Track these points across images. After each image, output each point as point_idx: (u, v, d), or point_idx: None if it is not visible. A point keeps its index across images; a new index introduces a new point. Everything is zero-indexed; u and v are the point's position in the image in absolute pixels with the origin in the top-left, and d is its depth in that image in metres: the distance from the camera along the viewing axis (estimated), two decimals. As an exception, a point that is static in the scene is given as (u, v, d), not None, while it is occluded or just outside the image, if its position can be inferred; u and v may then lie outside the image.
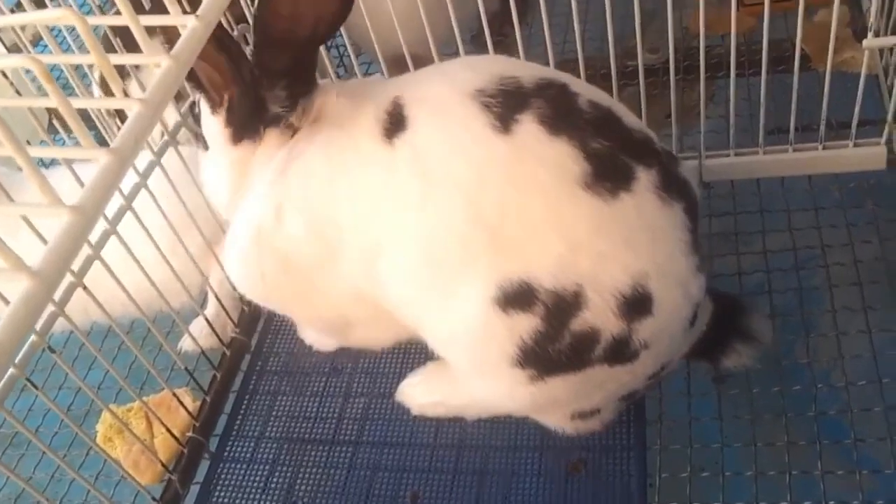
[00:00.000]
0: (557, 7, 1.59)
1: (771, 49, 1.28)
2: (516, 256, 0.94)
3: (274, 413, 1.38)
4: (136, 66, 1.38)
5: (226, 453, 1.34)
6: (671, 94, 1.38)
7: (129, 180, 1.15)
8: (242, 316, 1.49)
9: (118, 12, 0.67)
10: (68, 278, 1.05)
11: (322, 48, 1.30)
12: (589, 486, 1.17)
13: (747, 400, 1.24)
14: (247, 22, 1.32)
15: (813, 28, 1.59)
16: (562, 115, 0.95)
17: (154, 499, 1.24)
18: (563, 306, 0.93)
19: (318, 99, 1.06)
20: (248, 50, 1.02)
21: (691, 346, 1.12)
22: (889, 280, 1.34)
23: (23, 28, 1.39)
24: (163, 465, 1.28)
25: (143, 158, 1.22)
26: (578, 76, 1.14)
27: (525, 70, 1.01)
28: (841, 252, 1.39)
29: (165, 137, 1.27)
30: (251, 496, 1.28)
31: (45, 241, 0.60)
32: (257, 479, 1.30)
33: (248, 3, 1.39)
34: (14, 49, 1.59)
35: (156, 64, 0.67)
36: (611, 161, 0.94)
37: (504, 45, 1.63)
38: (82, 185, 0.63)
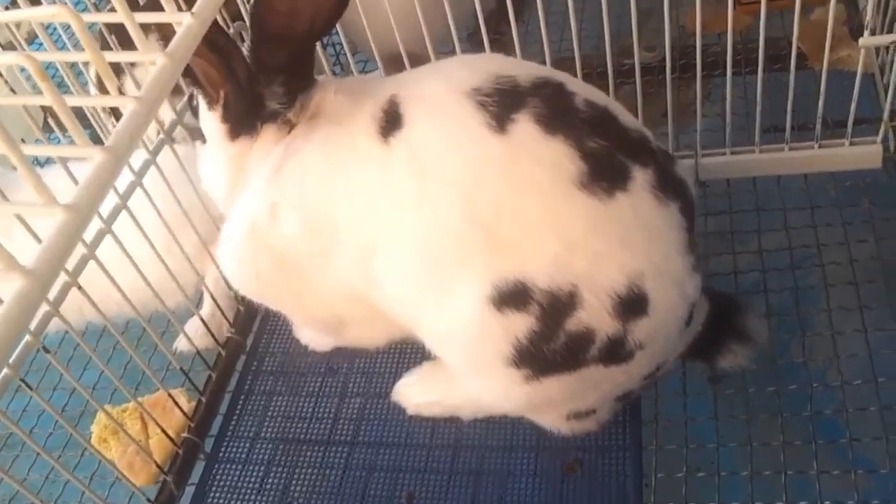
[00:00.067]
0: (554, 5, 1.59)
1: (767, 47, 1.28)
2: (512, 256, 0.93)
3: (269, 413, 1.38)
4: (132, 64, 1.38)
5: (221, 454, 1.34)
6: (667, 92, 1.38)
7: (124, 179, 1.15)
8: (238, 316, 1.49)
9: (113, 9, 0.66)
10: (63, 278, 1.04)
11: (318, 46, 1.29)
12: (585, 487, 1.17)
13: (743, 400, 1.24)
14: (243, 20, 1.32)
15: (809, 26, 1.59)
16: (558, 114, 0.95)
17: (149, 500, 1.23)
18: (559, 306, 0.93)
19: (317, 95, 1.06)
20: (245, 46, 1.02)
21: (687, 345, 1.12)
22: (885, 279, 1.34)
23: (18, 26, 1.38)
24: (158, 466, 1.27)
25: (139, 157, 1.21)
26: (575, 74, 1.14)
27: (522, 69, 1.01)
28: (837, 251, 1.39)
29: (161, 136, 1.26)
30: (246, 497, 1.27)
31: (39, 241, 0.60)
32: (253, 479, 1.29)
33: (244, 1, 1.38)
34: (9, 47, 1.58)
35: (151, 61, 0.66)
36: (607, 160, 0.94)
37: (500, 44, 1.63)
38: (77, 184, 0.62)
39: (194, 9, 0.72)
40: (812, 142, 1.39)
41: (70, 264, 1.05)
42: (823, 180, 1.48)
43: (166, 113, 1.30)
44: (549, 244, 0.93)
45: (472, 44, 1.64)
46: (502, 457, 1.23)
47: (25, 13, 0.80)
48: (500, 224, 0.93)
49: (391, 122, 0.99)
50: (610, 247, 0.93)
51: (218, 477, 1.31)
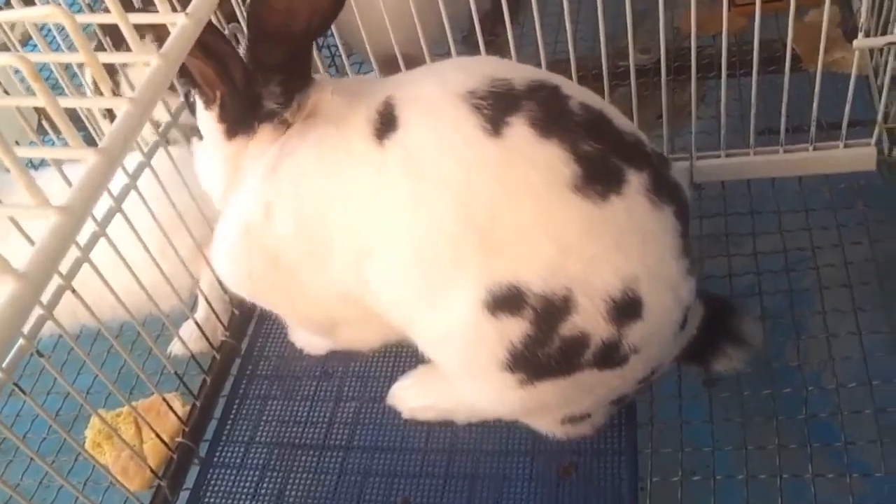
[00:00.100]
0: (549, 7, 1.59)
1: (762, 49, 1.29)
2: (506, 259, 0.93)
3: (264, 418, 1.37)
4: (125, 65, 1.37)
5: (216, 458, 1.33)
6: (662, 94, 1.38)
7: (118, 182, 1.14)
8: (233, 319, 1.48)
9: (107, 10, 0.66)
10: (57, 281, 1.04)
11: (313, 48, 1.29)
12: (580, 490, 1.17)
13: (738, 403, 1.24)
14: (237, 21, 1.31)
15: (804, 28, 1.59)
16: (553, 117, 0.94)
17: (143, 505, 1.23)
18: (553, 311, 0.93)
19: (314, 95, 1.06)
20: (241, 48, 1.01)
21: (682, 349, 1.11)
22: (879, 281, 1.34)
23: (12, 27, 1.38)
24: (152, 470, 1.27)
25: (133, 160, 1.21)
26: (570, 76, 1.14)
27: (517, 72, 1.00)
28: (831, 253, 1.39)
29: (156, 138, 1.26)
30: (241, 502, 1.27)
31: (33, 243, 0.59)
32: (247, 484, 1.29)
33: (239, 1, 1.38)
34: (2, 48, 1.58)
35: (145, 63, 0.66)
36: (602, 164, 0.94)
37: (496, 45, 1.63)
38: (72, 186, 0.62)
39: (188, 9, 0.71)
40: (806, 144, 1.39)
41: (64, 267, 1.05)
42: (818, 183, 1.48)
43: (162, 114, 1.29)
44: (543, 248, 0.92)
45: (467, 46, 1.64)
46: (498, 461, 1.22)
47: (19, 13, 0.80)
48: (494, 227, 0.93)
49: (386, 123, 0.99)
50: (604, 250, 0.93)
51: (212, 482, 1.30)
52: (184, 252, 1.32)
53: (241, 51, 1.02)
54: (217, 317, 1.45)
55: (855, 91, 1.30)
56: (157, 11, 0.72)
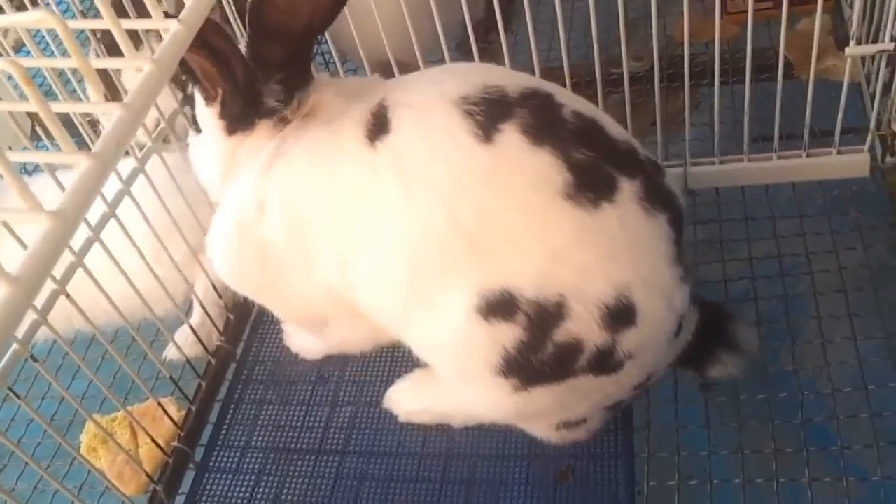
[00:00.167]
0: (542, 14, 1.59)
1: (754, 57, 1.29)
2: (497, 265, 0.93)
3: (260, 422, 1.37)
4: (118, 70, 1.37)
5: (211, 463, 1.33)
6: (656, 101, 1.38)
7: (112, 187, 1.14)
8: (228, 324, 1.48)
9: (100, 16, 0.66)
10: (51, 286, 1.04)
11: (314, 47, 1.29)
12: (577, 495, 1.17)
13: (734, 407, 1.24)
14: (228, 23, 1.32)
15: (796, 36, 1.59)
16: (545, 125, 0.95)
17: (138, 510, 1.23)
18: (546, 316, 0.93)
19: (314, 94, 1.06)
20: (242, 44, 1.02)
21: (677, 355, 1.11)
22: (873, 287, 1.34)
23: (5, 33, 1.38)
24: (147, 475, 1.27)
25: (128, 165, 1.21)
26: (563, 84, 1.14)
27: (510, 79, 1.01)
28: (825, 259, 1.39)
29: (149, 144, 1.26)
30: (237, 506, 1.27)
31: (26, 248, 0.60)
32: (243, 489, 1.29)
33: (230, 3, 1.38)
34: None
35: (138, 68, 0.66)
36: (594, 171, 0.94)
37: (489, 53, 1.63)
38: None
39: (181, 15, 0.72)
40: (800, 151, 1.40)
41: (58, 272, 1.05)
42: (811, 189, 1.48)
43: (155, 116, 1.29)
44: (535, 254, 0.92)
45: (461, 53, 1.64)
46: (494, 466, 1.22)
47: (10, 18, 0.80)
48: (484, 233, 0.93)
49: (378, 126, 0.99)
50: (597, 258, 0.93)
51: (208, 486, 1.30)
52: (178, 257, 1.32)
53: (242, 48, 1.02)
54: (212, 321, 1.45)
55: (847, 98, 1.31)
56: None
